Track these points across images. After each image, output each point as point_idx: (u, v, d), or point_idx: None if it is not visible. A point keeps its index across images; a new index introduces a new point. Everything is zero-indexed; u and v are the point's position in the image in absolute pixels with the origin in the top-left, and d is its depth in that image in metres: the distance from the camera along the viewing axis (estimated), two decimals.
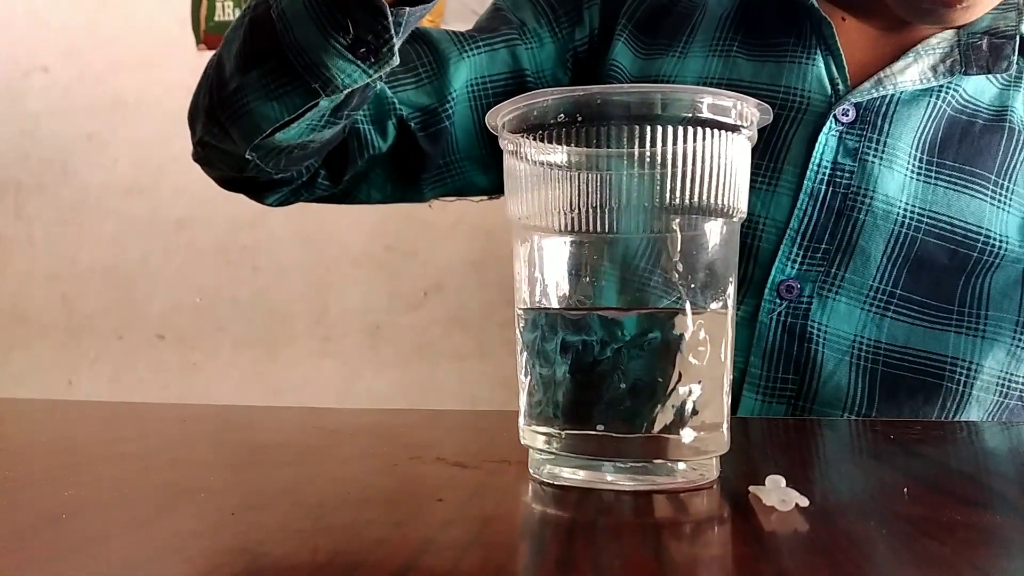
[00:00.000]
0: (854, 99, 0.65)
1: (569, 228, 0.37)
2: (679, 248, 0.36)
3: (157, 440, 0.50)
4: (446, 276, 1.85)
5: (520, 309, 0.40)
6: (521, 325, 0.39)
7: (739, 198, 0.37)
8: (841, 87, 0.66)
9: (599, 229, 0.36)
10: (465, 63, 0.72)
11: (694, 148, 0.35)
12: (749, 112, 0.36)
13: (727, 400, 0.37)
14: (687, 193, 0.35)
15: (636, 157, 0.35)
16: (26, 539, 0.28)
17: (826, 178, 0.65)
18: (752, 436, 0.49)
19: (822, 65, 0.67)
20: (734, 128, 0.36)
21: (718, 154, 0.35)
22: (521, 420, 0.39)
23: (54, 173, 1.96)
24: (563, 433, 0.36)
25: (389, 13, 0.52)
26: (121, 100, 1.95)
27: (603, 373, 0.35)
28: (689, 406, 0.35)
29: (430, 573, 0.25)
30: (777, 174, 0.66)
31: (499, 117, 0.39)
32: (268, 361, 1.91)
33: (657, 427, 0.35)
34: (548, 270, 0.39)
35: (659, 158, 0.35)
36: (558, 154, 0.37)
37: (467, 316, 1.84)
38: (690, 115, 0.35)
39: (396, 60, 0.55)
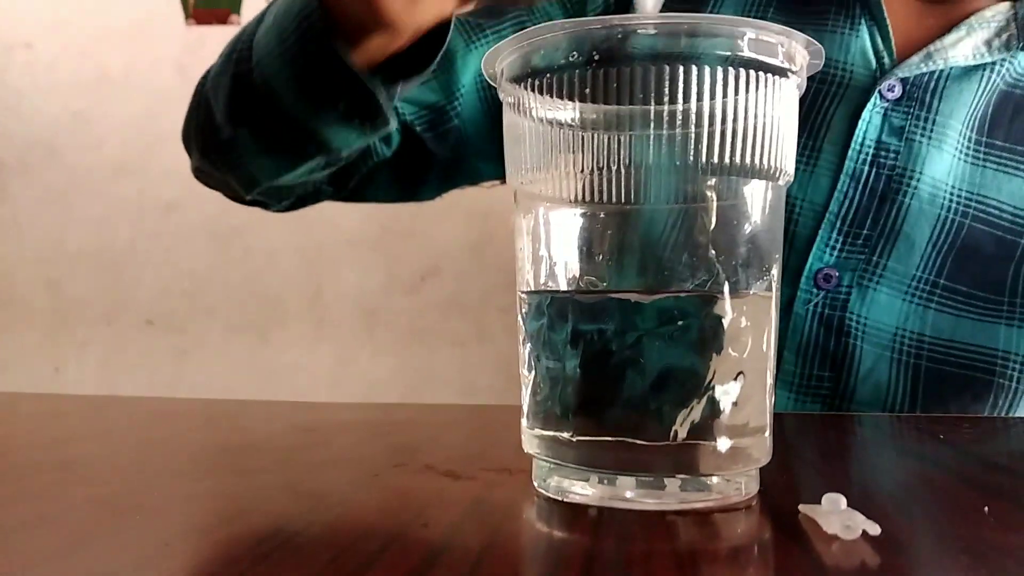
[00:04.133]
0: (901, 74, 0.59)
1: (581, 196, 0.31)
2: (715, 218, 0.30)
3: (109, 442, 0.44)
4: (444, 259, 1.79)
5: (523, 292, 0.34)
6: (524, 311, 0.33)
7: (786, 157, 0.31)
8: (887, 61, 0.60)
9: (618, 197, 0.30)
10: (473, 55, 0.66)
11: (735, 95, 0.29)
12: (799, 53, 0.30)
13: (770, 400, 0.31)
14: (725, 151, 0.29)
15: (664, 106, 0.29)
16: None
17: (869, 158, 0.59)
18: (788, 437, 0.43)
19: (866, 36, 0.61)
20: (781, 72, 0.30)
21: (763, 103, 0.29)
22: (524, 422, 0.33)
23: (39, 153, 1.90)
24: (574, 439, 0.30)
25: (379, 92, 0.49)
26: (107, 77, 1.88)
27: (622, 368, 0.29)
28: (726, 408, 0.29)
29: None
30: (816, 153, 0.60)
31: (498, 62, 0.32)
32: (260, 346, 1.85)
33: (687, 433, 0.29)
34: (556, 246, 0.33)
35: (692, 107, 0.29)
36: (568, 107, 0.31)
37: (466, 300, 1.78)
38: (729, 54, 0.29)
39: (394, 124, 0.52)
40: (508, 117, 0.34)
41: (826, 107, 0.61)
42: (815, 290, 0.59)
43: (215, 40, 1.86)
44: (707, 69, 0.28)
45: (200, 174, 0.64)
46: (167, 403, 0.65)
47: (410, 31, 0.47)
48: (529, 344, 0.33)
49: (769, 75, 0.29)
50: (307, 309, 1.84)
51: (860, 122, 0.59)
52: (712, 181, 0.29)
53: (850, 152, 0.59)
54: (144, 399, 0.69)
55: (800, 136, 0.60)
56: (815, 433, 0.46)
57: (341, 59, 0.47)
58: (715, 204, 0.30)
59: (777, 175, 0.30)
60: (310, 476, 0.35)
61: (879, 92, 0.59)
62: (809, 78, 0.60)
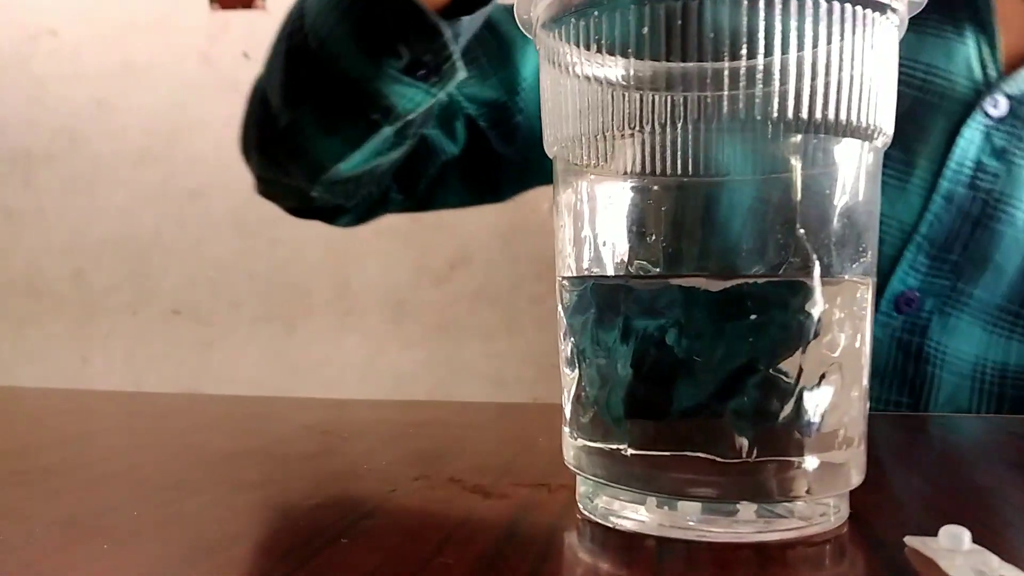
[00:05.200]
0: (1007, 89, 0.53)
1: (632, 167, 0.26)
2: (801, 187, 0.24)
3: (101, 447, 0.40)
4: (474, 248, 1.74)
5: (563, 278, 0.29)
6: (565, 300, 0.28)
7: (884, 112, 0.25)
8: (992, 73, 0.54)
9: (677, 167, 0.25)
10: (532, 45, 0.62)
11: (828, 37, 0.23)
12: None
13: (865, 407, 0.26)
14: (816, 104, 0.23)
15: (736, 48, 0.23)
16: None
17: (966, 180, 0.54)
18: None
19: (971, 44, 0.55)
20: (879, 7, 0.24)
21: (858, 44, 0.24)
22: (565, 430, 0.28)
23: (63, 141, 1.88)
24: (627, 453, 0.25)
25: (444, 28, 0.45)
26: (131, 64, 1.85)
27: (686, 369, 0.24)
28: (815, 417, 0.24)
29: None
30: (909, 168, 0.55)
31: (532, 3, 0.27)
32: (287, 337, 1.81)
33: (767, 448, 0.24)
34: (602, 226, 0.28)
35: (773, 49, 0.23)
36: (618, 60, 0.26)
37: (496, 291, 1.73)
38: None
39: (462, 73, 0.48)
40: (545, 72, 0.28)
41: (923, 118, 0.55)
42: (895, 313, 0.55)
43: (239, 26, 1.83)
44: (793, 2, 0.23)
45: (262, 185, 0.61)
46: (181, 400, 0.61)
47: None
48: (572, 339, 0.28)
49: (867, 11, 0.24)
50: (334, 300, 1.80)
51: (959, 139, 0.54)
52: (797, 140, 0.24)
53: (946, 171, 0.54)
54: (158, 395, 0.65)
55: (893, 148, 0.54)
56: (899, 439, 0.41)
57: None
58: (801, 170, 0.24)
59: (874, 134, 0.25)
60: (316, 492, 0.30)
61: (982, 108, 0.54)
62: (906, 84, 0.55)
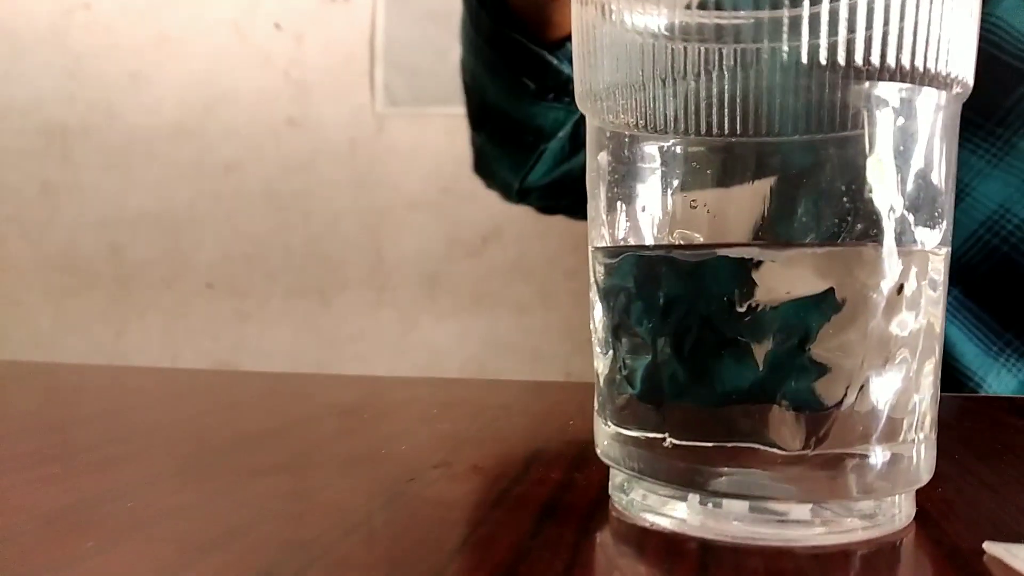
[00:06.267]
0: None
1: (675, 125, 0.23)
2: (869, 143, 0.21)
3: (115, 425, 0.38)
4: (506, 221, 1.71)
5: (596, 249, 0.26)
6: (598, 273, 0.25)
7: (964, 60, 0.22)
8: None
9: (725, 124, 0.22)
10: None
11: None
12: None
13: (936, 393, 0.23)
14: (888, 50, 0.20)
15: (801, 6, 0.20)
16: None
17: None
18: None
19: None
20: None
21: None
22: (597, 416, 0.26)
23: (99, 115, 1.88)
24: (667, 443, 0.23)
25: (548, 57, 0.49)
26: (165, 37, 1.84)
27: (735, 349, 0.22)
28: (880, 404, 0.21)
29: None
30: None
31: None
32: (321, 311, 1.81)
33: (824, 439, 0.21)
34: (641, 190, 0.25)
35: None
36: (662, 12, 0.23)
37: (529, 264, 1.71)
38: None
39: None
40: (578, 17, 0.26)
41: None
42: None
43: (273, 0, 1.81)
44: None
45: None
46: (210, 377, 0.60)
47: None
48: (605, 315, 0.25)
49: None
50: (368, 274, 1.79)
51: None
52: (864, 90, 0.21)
53: None
54: (189, 372, 0.64)
55: None
56: (973, 425, 0.37)
57: (517, 40, 0.49)
58: (868, 125, 0.21)
59: (951, 84, 0.22)
60: (329, 481, 0.28)
61: None
62: None
